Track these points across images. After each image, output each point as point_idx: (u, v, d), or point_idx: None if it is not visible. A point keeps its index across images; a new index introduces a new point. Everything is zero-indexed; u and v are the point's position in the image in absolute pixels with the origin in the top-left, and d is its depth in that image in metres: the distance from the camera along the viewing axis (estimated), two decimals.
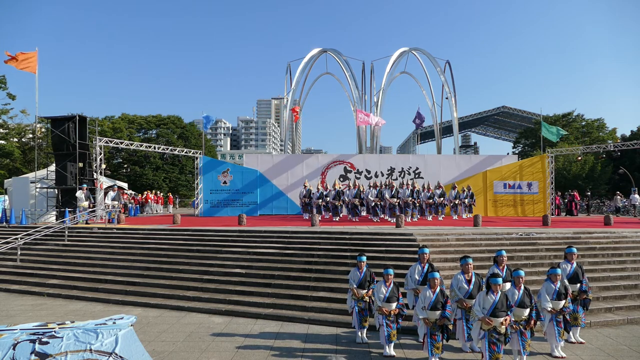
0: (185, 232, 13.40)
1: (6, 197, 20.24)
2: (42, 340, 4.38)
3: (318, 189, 17.62)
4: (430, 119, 31.33)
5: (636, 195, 24.46)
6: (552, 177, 21.86)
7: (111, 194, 18.74)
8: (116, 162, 45.86)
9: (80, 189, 16.99)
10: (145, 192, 29.21)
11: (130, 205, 23.86)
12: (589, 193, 28.49)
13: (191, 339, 7.37)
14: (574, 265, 7.40)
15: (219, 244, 12.07)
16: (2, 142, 31.93)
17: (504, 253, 7.13)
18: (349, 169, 21.65)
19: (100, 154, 18.70)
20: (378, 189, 16.96)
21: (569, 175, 38.35)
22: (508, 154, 37.08)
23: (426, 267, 7.17)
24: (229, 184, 21.01)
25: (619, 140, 44.81)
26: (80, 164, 17.90)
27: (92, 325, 4.73)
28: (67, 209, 16.09)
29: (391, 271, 6.79)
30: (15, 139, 33.94)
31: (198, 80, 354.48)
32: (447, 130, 61.21)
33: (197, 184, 21.45)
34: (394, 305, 6.63)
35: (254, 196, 21.06)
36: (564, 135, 23.70)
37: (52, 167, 19.36)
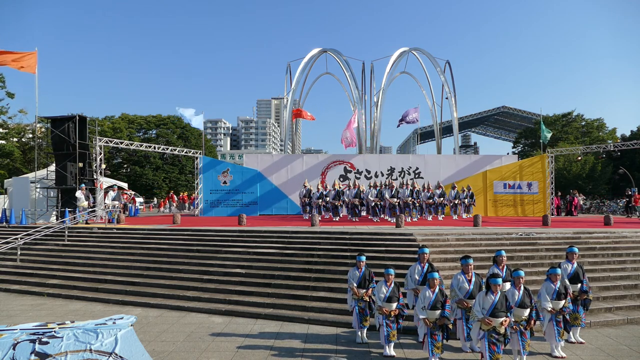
0: (185, 232, 13.40)
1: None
2: (42, 340, 4.37)
3: (318, 188, 17.61)
4: (430, 119, 31.35)
5: None
6: (552, 177, 21.86)
7: (111, 193, 18.74)
8: (116, 162, 45.91)
9: (79, 189, 17.00)
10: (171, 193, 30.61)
11: (130, 205, 23.88)
12: (633, 191, 25.25)
13: (191, 339, 7.37)
14: (575, 265, 7.39)
15: (219, 244, 12.07)
16: (2, 142, 31.94)
17: (503, 253, 7.14)
18: (349, 169, 21.64)
19: (100, 154, 18.70)
20: (378, 189, 16.95)
21: (569, 175, 38.38)
22: (508, 153, 37.13)
23: (426, 267, 7.17)
24: (229, 184, 21.00)
25: (619, 140, 44.83)
26: (80, 164, 17.90)
27: (92, 325, 4.72)
28: (67, 209, 16.09)
29: (392, 271, 6.79)
30: (15, 139, 33.96)
31: (198, 80, 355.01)
32: (447, 130, 61.26)
33: (197, 184, 21.45)
34: (394, 305, 6.62)
35: (254, 196, 21.06)
36: (546, 138, 23.69)
37: (52, 167, 19.35)
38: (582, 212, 27.33)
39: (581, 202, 28.31)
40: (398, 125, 26.75)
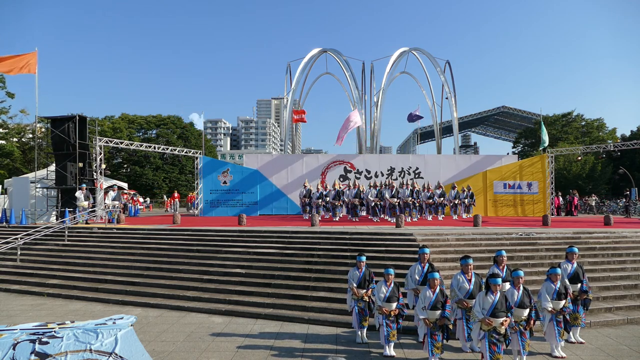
0: (185, 232, 13.40)
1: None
2: (42, 340, 4.37)
3: (318, 188, 17.61)
4: (430, 119, 31.35)
5: None
6: (552, 177, 21.86)
7: (111, 193, 18.74)
8: (116, 162, 45.90)
9: (79, 189, 16.99)
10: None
11: (130, 205, 23.87)
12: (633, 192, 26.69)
13: (191, 339, 7.37)
14: (575, 265, 7.39)
15: (219, 244, 12.07)
16: (2, 142, 31.94)
17: (503, 253, 7.13)
18: (349, 169, 21.64)
19: (100, 154, 18.70)
20: (378, 189, 16.95)
21: (569, 175, 38.38)
22: (508, 153, 37.12)
23: (426, 267, 7.16)
24: (229, 184, 21.00)
25: (619, 140, 44.83)
26: (80, 164, 17.89)
27: (92, 325, 4.72)
28: (67, 209, 16.08)
29: (392, 271, 6.79)
30: (15, 139, 33.96)
31: (198, 80, 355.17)
32: (447, 130, 61.20)
33: (197, 184, 21.45)
34: (394, 305, 6.62)
35: (254, 196, 21.06)
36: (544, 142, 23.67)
37: (52, 167, 19.35)
38: (587, 212, 27.28)
39: (593, 203, 28.25)
40: (410, 119, 26.85)
